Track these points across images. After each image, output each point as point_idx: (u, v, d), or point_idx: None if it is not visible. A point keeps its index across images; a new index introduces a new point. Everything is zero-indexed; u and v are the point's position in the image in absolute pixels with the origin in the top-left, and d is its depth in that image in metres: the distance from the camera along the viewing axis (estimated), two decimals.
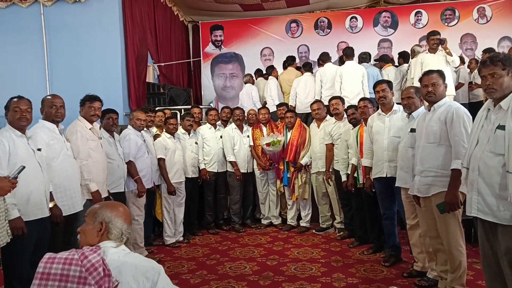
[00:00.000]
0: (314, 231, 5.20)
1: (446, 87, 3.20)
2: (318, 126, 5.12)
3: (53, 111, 3.17)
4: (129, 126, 4.32)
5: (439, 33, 5.63)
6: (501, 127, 2.26)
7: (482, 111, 2.51)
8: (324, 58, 6.49)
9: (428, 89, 3.10)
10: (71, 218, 3.30)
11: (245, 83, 7.23)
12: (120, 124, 5.31)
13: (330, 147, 4.89)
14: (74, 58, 6.72)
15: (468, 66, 7.15)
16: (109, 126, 3.93)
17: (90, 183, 3.44)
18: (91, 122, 3.62)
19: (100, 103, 3.67)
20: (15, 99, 2.84)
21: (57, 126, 3.24)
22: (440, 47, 5.59)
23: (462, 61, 6.83)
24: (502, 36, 8.19)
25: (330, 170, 4.92)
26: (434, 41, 5.54)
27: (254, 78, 7.48)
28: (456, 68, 6.33)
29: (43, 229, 2.89)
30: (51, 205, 2.99)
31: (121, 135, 4.21)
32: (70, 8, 6.77)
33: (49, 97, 3.24)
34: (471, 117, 2.97)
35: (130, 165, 4.09)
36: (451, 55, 5.61)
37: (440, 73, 3.18)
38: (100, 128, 3.91)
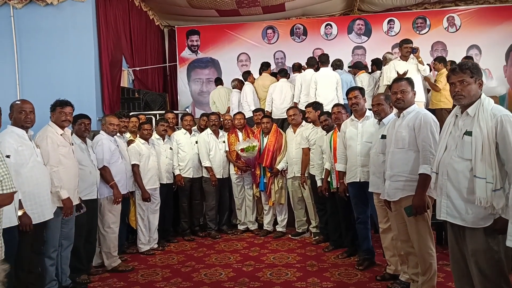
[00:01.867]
0: (290, 235, 5.22)
1: (414, 94, 3.28)
2: (294, 132, 5.16)
3: (23, 116, 3.09)
4: (102, 132, 4.24)
5: (411, 42, 5.80)
6: (468, 133, 2.34)
7: (450, 118, 2.59)
8: (313, 63, 6.58)
9: (397, 96, 3.17)
10: (41, 226, 3.22)
11: (233, 88, 7.20)
12: (94, 129, 5.21)
13: (306, 151, 4.94)
14: (46, 62, 6.56)
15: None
16: (81, 131, 3.84)
17: (61, 190, 3.35)
18: (62, 127, 3.53)
19: (72, 108, 3.59)
20: None
21: (27, 132, 3.15)
22: (412, 55, 5.74)
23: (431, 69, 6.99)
24: (470, 44, 8.49)
25: (306, 174, 4.96)
26: (407, 49, 5.69)
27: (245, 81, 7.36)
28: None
29: (10, 238, 2.79)
30: (20, 213, 2.90)
31: (93, 141, 4.13)
32: (42, 11, 6.61)
33: (18, 102, 3.15)
34: (438, 123, 3.07)
35: (105, 170, 4.01)
36: (423, 64, 5.79)
37: (409, 81, 3.26)
38: (72, 134, 3.82)
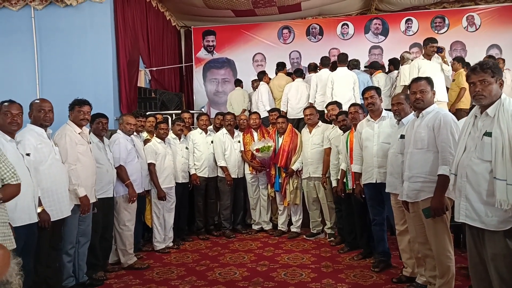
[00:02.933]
0: (304, 236, 5.20)
1: (434, 94, 3.24)
2: (310, 132, 5.14)
3: (42, 115, 3.15)
4: (119, 131, 4.29)
5: (437, 41, 5.70)
6: (488, 134, 2.29)
7: (469, 118, 2.54)
8: (327, 62, 6.56)
9: (417, 96, 3.13)
10: (59, 223, 3.28)
11: (254, 89, 7.22)
12: (111, 128, 5.26)
13: (328, 152, 4.88)
14: (65, 62, 6.68)
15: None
16: (99, 130, 3.89)
17: (78, 188, 3.41)
18: (80, 126, 3.59)
19: (90, 107, 3.65)
20: (6, 103, 2.82)
21: (45, 131, 3.22)
22: (436, 55, 5.65)
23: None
24: (490, 44, 8.32)
25: (327, 175, 4.92)
26: (432, 48, 5.58)
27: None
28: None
29: (30, 234, 2.85)
30: (39, 210, 2.96)
31: (110, 140, 4.18)
32: (62, 12, 6.72)
33: (38, 101, 3.22)
34: (458, 124, 3.01)
35: (121, 169, 4.06)
36: (448, 64, 5.71)
37: (429, 80, 3.21)
38: (89, 133, 3.88)
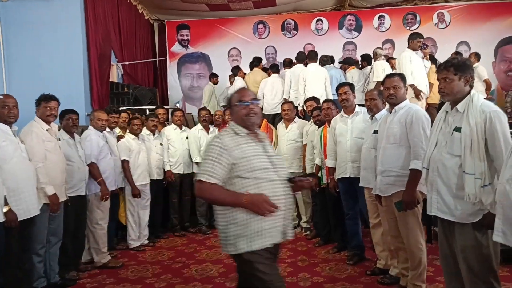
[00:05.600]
0: None
1: (407, 90, 3.30)
2: (286, 127, 5.15)
3: (6, 111, 3.03)
4: (90, 127, 4.18)
5: (423, 37, 5.76)
6: (458, 129, 2.35)
7: (440, 113, 2.60)
8: (302, 58, 6.59)
9: (390, 92, 3.18)
10: (27, 223, 3.15)
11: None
12: (82, 124, 5.13)
13: (306, 147, 4.92)
14: (34, 56, 6.44)
15: None
16: (69, 127, 3.78)
17: (47, 186, 3.30)
18: (47, 122, 3.48)
19: (57, 102, 3.54)
20: None
21: (11, 127, 3.09)
22: (420, 51, 5.72)
23: None
24: (460, 40, 8.55)
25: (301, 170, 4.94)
26: (420, 43, 5.64)
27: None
28: None
29: None
30: (4, 209, 2.85)
31: (82, 136, 4.07)
32: (30, 4, 6.47)
33: (1, 96, 3.09)
34: (429, 119, 3.08)
35: (93, 166, 3.96)
36: (429, 61, 5.81)
37: (401, 77, 3.27)
38: (59, 129, 3.76)
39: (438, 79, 2.48)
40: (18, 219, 2.98)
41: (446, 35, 8.61)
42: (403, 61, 5.47)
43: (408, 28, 8.76)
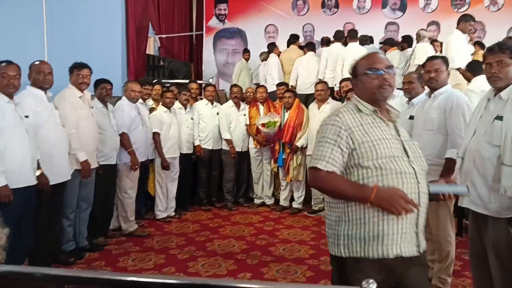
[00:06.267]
0: (306, 213, 5.18)
1: (448, 74, 3.11)
2: (319, 108, 5.03)
3: (41, 77, 3.10)
4: (123, 97, 4.23)
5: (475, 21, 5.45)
6: (499, 118, 2.20)
7: (482, 101, 2.44)
8: (340, 36, 6.40)
9: (431, 75, 3.02)
10: (58, 187, 3.26)
11: (262, 60, 7.10)
12: (118, 95, 5.22)
13: None
14: (73, 26, 6.55)
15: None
16: (103, 96, 3.84)
17: (79, 152, 3.38)
18: (80, 90, 3.54)
19: (89, 70, 3.59)
20: (3, 64, 2.75)
21: (45, 93, 3.17)
22: (468, 35, 5.41)
23: None
24: None
25: None
26: (471, 27, 5.34)
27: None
28: None
29: (28, 198, 2.85)
30: (37, 173, 2.95)
31: (115, 106, 4.13)
32: None
33: (37, 62, 3.16)
34: (471, 107, 2.90)
35: (124, 137, 4.03)
36: (473, 47, 5.50)
37: (444, 60, 3.09)
38: (93, 98, 3.83)
39: (488, 63, 2.29)
40: (50, 183, 3.08)
41: (497, 18, 8.03)
42: (453, 42, 5.15)
43: (456, 10, 8.23)
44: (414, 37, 6.40)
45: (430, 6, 8.40)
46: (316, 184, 1.75)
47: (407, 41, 6.66)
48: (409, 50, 6.45)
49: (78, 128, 3.42)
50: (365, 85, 1.72)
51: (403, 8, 8.50)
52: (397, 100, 3.72)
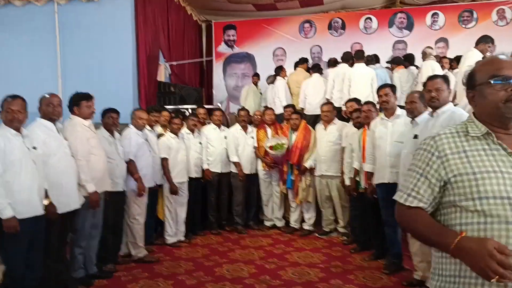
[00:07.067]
0: (317, 234, 5.12)
1: (450, 92, 3.11)
2: (325, 128, 5.05)
3: (50, 109, 3.21)
4: (131, 125, 4.32)
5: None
6: None
7: None
8: (348, 57, 6.42)
9: (432, 94, 3.04)
10: (68, 216, 3.32)
11: (269, 83, 7.20)
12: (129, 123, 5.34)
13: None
14: (86, 57, 6.78)
15: None
16: (109, 125, 3.93)
17: (87, 184, 3.44)
18: (88, 119, 3.64)
19: (94, 99, 3.70)
20: (8, 99, 2.85)
21: (55, 124, 3.27)
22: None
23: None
24: None
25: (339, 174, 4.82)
26: (491, 48, 5.35)
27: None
28: None
29: (37, 228, 2.91)
30: (45, 202, 3.02)
31: (122, 135, 4.22)
32: (84, 7, 6.84)
33: (47, 95, 3.27)
34: None
35: (130, 164, 4.09)
36: None
37: (445, 78, 3.10)
38: (99, 127, 3.93)
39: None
40: (59, 212, 3.14)
41: (506, 33, 7.99)
42: (469, 60, 5.12)
43: (464, 26, 8.25)
44: (420, 55, 6.40)
45: (437, 23, 8.43)
46: (398, 220, 1.45)
47: (408, 60, 6.67)
48: (413, 68, 6.47)
49: (90, 157, 3.49)
50: (487, 98, 1.32)
51: (410, 26, 8.56)
52: (402, 119, 3.70)
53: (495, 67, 1.32)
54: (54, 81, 6.78)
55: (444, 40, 8.34)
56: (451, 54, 7.38)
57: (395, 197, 1.42)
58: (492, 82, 1.30)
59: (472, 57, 5.10)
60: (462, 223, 1.26)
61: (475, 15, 8.21)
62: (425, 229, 1.32)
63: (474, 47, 5.36)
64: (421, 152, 1.38)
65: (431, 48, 6.37)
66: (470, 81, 1.39)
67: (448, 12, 8.36)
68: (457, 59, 6.12)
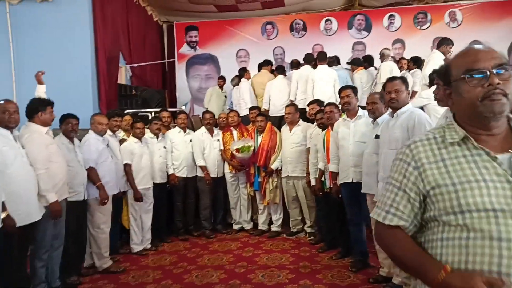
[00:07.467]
0: (285, 235, 5.16)
1: (409, 93, 3.22)
2: (290, 130, 5.09)
3: (6, 116, 3.05)
4: (90, 131, 4.17)
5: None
6: None
7: (441, 119, 2.52)
8: (310, 59, 6.50)
9: (391, 96, 3.12)
10: (28, 227, 3.16)
11: (233, 86, 7.16)
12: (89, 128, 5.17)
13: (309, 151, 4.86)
14: (42, 59, 6.45)
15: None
16: (68, 131, 3.77)
17: (48, 194, 3.28)
18: (47, 126, 3.48)
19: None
20: None
21: (11, 132, 3.11)
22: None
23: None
24: (472, 39, 8.29)
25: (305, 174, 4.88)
26: (452, 49, 5.55)
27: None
28: None
29: None
30: (2, 215, 2.86)
31: (81, 141, 4.07)
32: (38, 7, 6.54)
33: (2, 102, 3.11)
34: (432, 124, 3.00)
35: (91, 171, 3.95)
36: None
37: (403, 80, 3.20)
38: (58, 133, 3.78)
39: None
40: (19, 224, 2.98)
41: (458, 34, 8.38)
42: (432, 62, 5.30)
43: (419, 27, 8.59)
44: (378, 56, 6.60)
45: (394, 25, 8.73)
46: (377, 241, 1.31)
47: (367, 61, 6.87)
48: (372, 68, 6.66)
49: (49, 165, 3.33)
50: (462, 96, 1.16)
51: (368, 28, 8.80)
52: (363, 119, 3.81)
53: (470, 59, 1.16)
54: (8, 85, 6.45)
55: (400, 41, 8.65)
56: (407, 55, 7.62)
57: (372, 215, 1.29)
58: (467, 77, 1.14)
59: (434, 59, 5.32)
60: (444, 237, 1.12)
61: (429, 17, 8.56)
62: (405, 255, 1.18)
63: (436, 49, 5.59)
64: (397, 163, 1.25)
65: (389, 49, 6.60)
66: (446, 77, 1.23)
67: (404, 14, 8.68)
68: (414, 60, 6.34)
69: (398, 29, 8.67)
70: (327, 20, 8.99)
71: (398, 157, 1.26)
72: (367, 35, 8.81)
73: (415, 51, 7.38)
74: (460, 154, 1.15)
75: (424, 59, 6.40)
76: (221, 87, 7.78)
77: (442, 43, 5.56)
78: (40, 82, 4.24)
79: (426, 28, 8.54)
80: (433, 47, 8.28)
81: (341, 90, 4.00)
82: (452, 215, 1.11)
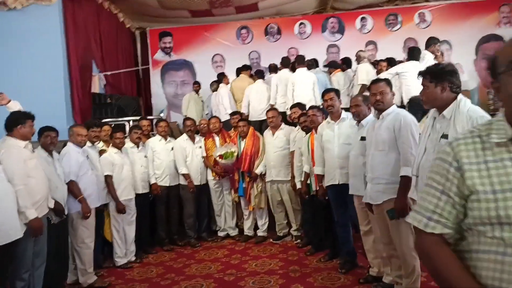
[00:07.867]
0: (271, 240, 5.14)
1: (393, 95, 3.26)
2: (273, 134, 5.09)
3: None
4: (69, 143, 4.01)
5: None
6: (445, 136, 2.31)
7: (429, 120, 2.56)
8: (287, 62, 6.54)
9: (377, 98, 3.15)
10: (8, 247, 3.00)
11: (213, 91, 7.10)
12: (64, 139, 4.98)
13: (293, 154, 4.86)
14: (12, 69, 6.24)
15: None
16: (47, 144, 3.62)
17: (27, 210, 3.13)
18: (27, 140, 3.33)
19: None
20: None
21: None
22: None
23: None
24: (441, 39, 8.56)
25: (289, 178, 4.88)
26: (440, 46, 5.66)
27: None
28: None
29: None
30: None
31: (60, 153, 3.92)
32: (5, 16, 6.30)
33: None
34: (418, 125, 3.05)
35: (72, 184, 3.80)
36: None
37: (387, 82, 3.24)
38: (37, 147, 3.62)
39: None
40: None
41: (428, 34, 8.57)
42: (429, 62, 5.37)
43: (390, 29, 8.79)
44: (354, 58, 6.70)
45: (366, 27, 8.90)
46: (416, 250, 1.20)
47: (345, 63, 6.97)
48: (350, 70, 6.76)
49: (28, 181, 3.18)
50: (507, 90, 1.01)
51: (341, 30, 8.94)
52: (347, 121, 3.84)
53: None
54: None
55: (373, 43, 8.82)
56: (380, 56, 7.80)
57: (411, 221, 1.14)
58: None
59: (428, 62, 5.41)
60: (479, 250, 1.02)
61: (399, 19, 8.77)
62: (446, 272, 1.05)
63: (425, 49, 5.71)
64: (437, 162, 1.12)
65: (364, 51, 6.70)
66: (493, 69, 1.07)
67: (376, 16, 8.86)
68: (388, 61, 6.47)
69: (370, 31, 8.85)
70: (301, 23, 9.08)
71: (439, 156, 1.12)
72: (340, 38, 8.94)
73: (387, 52, 7.56)
74: (506, 157, 1.01)
75: (398, 60, 6.58)
76: (197, 92, 7.70)
77: (430, 43, 5.70)
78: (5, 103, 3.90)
79: (397, 30, 8.75)
80: (405, 47, 8.53)
81: (324, 93, 4.02)
82: (488, 226, 1.00)
